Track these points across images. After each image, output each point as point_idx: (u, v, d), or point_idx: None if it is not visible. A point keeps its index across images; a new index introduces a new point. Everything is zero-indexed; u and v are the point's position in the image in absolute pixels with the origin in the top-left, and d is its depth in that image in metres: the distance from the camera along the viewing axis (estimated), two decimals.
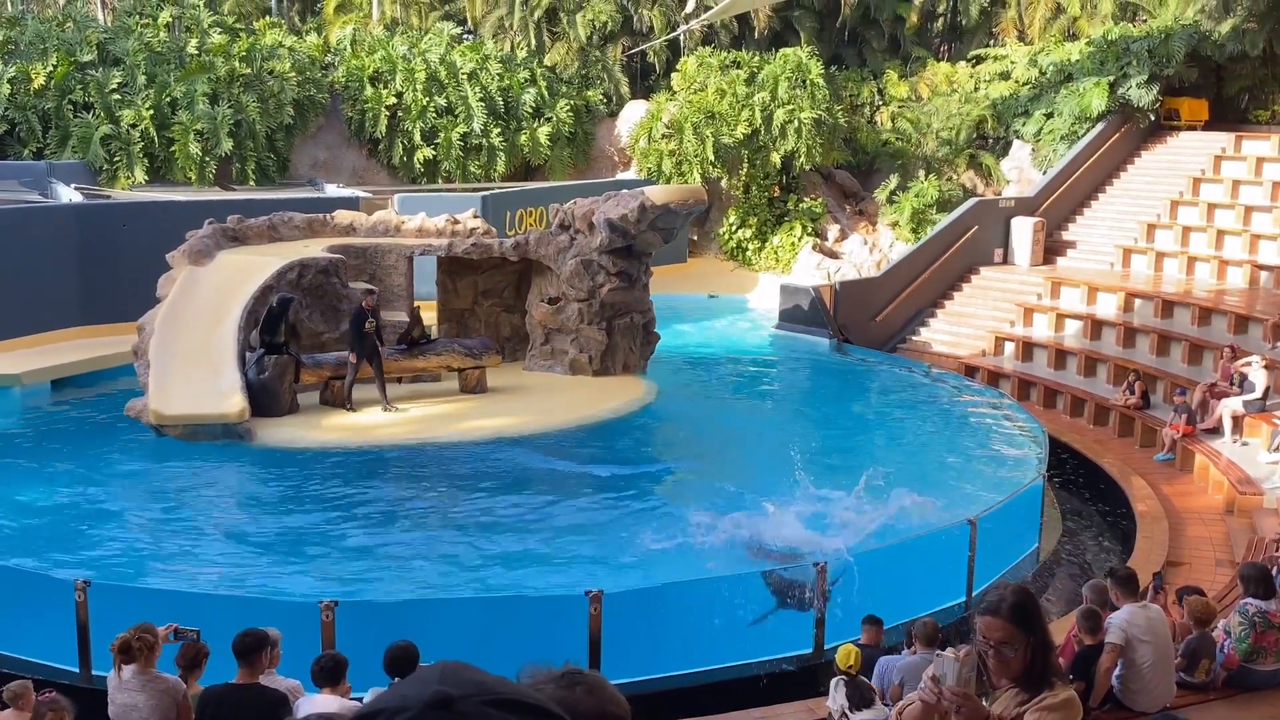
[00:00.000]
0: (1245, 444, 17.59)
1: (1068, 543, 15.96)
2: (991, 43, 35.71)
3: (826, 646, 11.07)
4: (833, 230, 32.00)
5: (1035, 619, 4.10)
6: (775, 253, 31.57)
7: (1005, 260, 27.53)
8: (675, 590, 11.77)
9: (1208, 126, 29.32)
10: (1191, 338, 21.18)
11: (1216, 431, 17.99)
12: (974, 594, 12.41)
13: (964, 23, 36.85)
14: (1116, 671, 8.08)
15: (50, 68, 28.51)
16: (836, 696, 8.81)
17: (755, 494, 15.40)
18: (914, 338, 25.87)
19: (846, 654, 9.43)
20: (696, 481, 16.13)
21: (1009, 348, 24.04)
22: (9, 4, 42.05)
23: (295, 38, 34.30)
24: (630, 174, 32.60)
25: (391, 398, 18.16)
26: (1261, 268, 23.72)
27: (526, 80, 33.29)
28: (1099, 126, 29.02)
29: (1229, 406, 17.83)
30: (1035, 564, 14.20)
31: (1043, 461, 15.79)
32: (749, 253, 32.03)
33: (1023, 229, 27.30)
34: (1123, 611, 8.14)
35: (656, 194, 20.23)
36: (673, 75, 33.67)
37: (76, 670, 10.28)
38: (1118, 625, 7.96)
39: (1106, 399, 20.83)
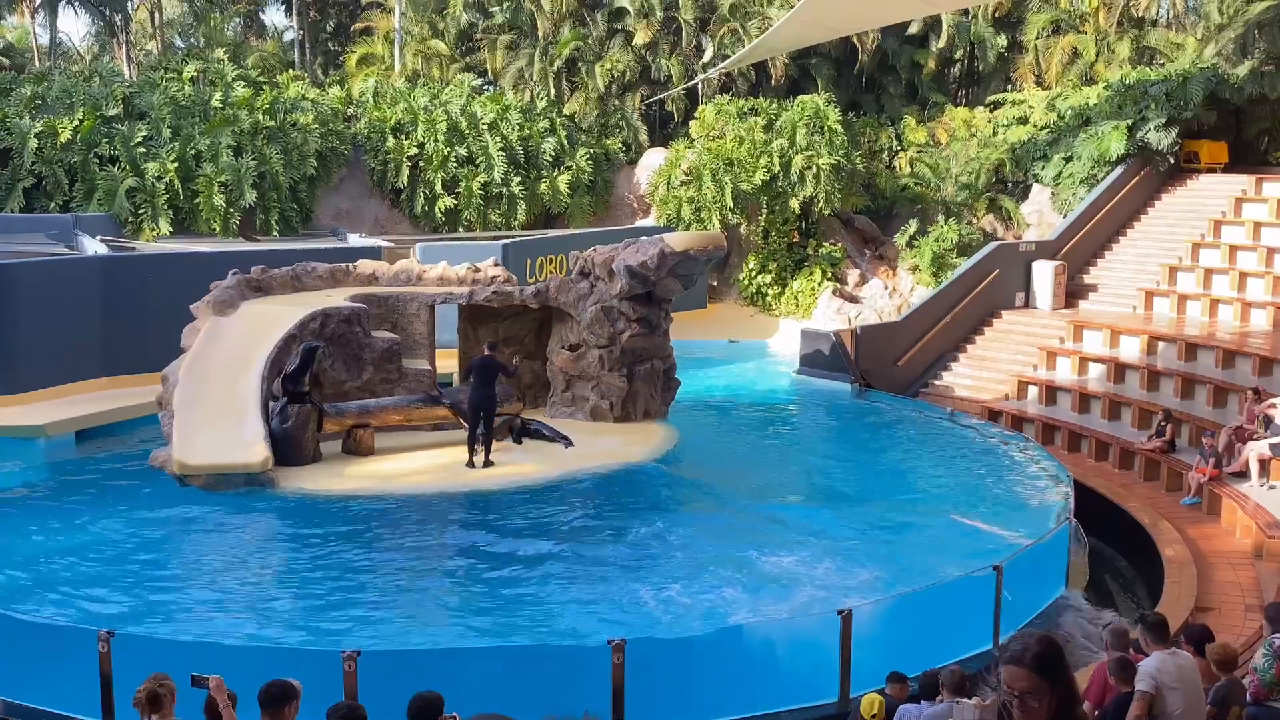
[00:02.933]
0: (1273, 487, 17.40)
1: (1094, 588, 15.81)
2: (1009, 87, 35.85)
3: (851, 696, 10.97)
4: (852, 275, 32.03)
5: (1060, 668, 4.04)
6: (795, 298, 31.60)
7: (1027, 304, 27.47)
8: (699, 640, 11.69)
9: (1228, 169, 29.28)
10: (1216, 380, 21.05)
11: (1243, 475, 17.83)
12: (1000, 641, 12.28)
13: (981, 68, 37.04)
14: None
15: (76, 122, 28.92)
16: None
17: (772, 545, 15.36)
18: (936, 382, 25.79)
19: (870, 703, 9.35)
20: (718, 529, 16.07)
21: (1032, 391, 23.93)
22: (36, 60, 42.78)
23: (318, 90, 34.72)
24: (650, 221, 32.76)
25: (413, 445, 18.27)
26: None
27: (546, 130, 33.57)
28: (1118, 170, 29.03)
29: (1255, 449, 17.68)
30: (1062, 610, 14.04)
31: (1068, 506, 15.67)
32: (769, 298, 32.08)
33: (1044, 272, 27.26)
34: (1153, 659, 8.04)
35: (676, 241, 20.30)
36: (691, 123, 33.91)
37: None
38: (1147, 673, 7.85)
39: (1131, 442, 20.69)
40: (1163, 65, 32.51)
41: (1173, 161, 29.30)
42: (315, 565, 14.34)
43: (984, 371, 25.53)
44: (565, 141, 33.55)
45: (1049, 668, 4.01)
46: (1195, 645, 8.85)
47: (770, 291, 32.03)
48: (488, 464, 17.74)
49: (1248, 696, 8.68)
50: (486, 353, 18.35)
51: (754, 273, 32.16)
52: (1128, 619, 12.80)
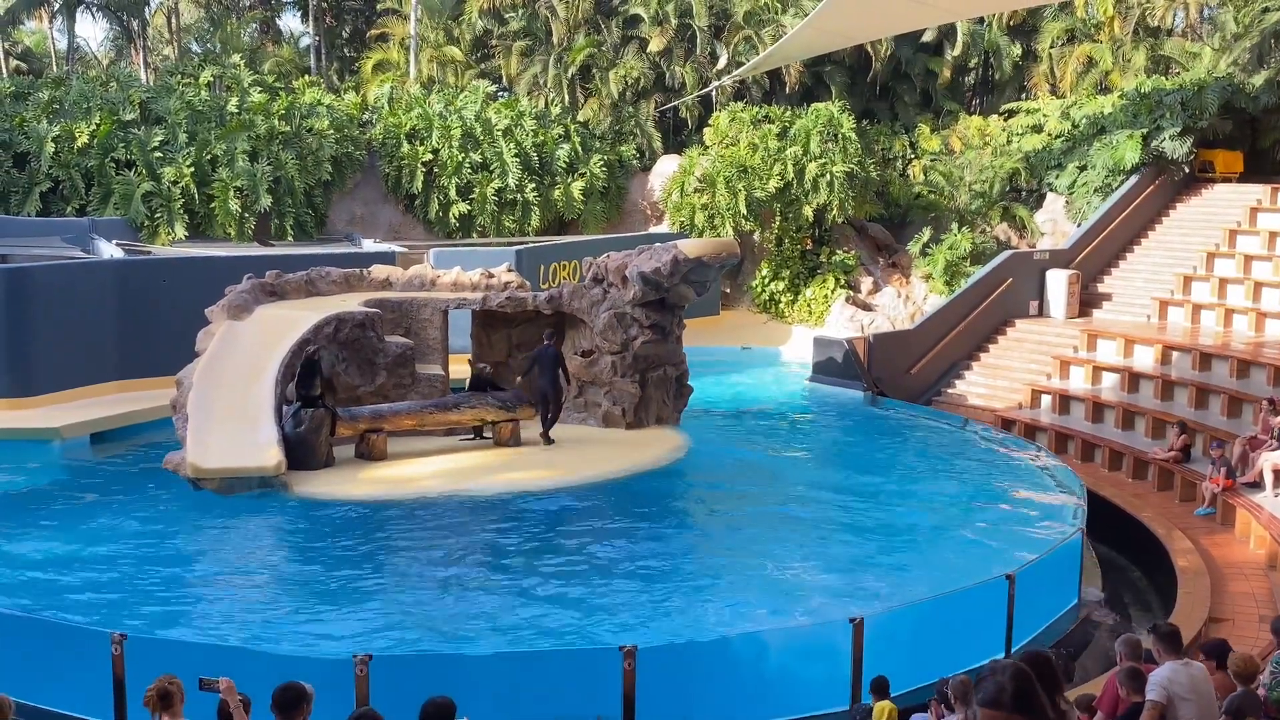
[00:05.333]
0: None
1: (1107, 598, 15.75)
2: (1024, 96, 35.81)
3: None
4: (866, 283, 32.00)
5: (1035, 698, 3.92)
6: (808, 305, 31.58)
7: (1041, 312, 27.42)
8: (709, 646, 11.69)
9: (1243, 178, 29.21)
10: (1230, 390, 20.97)
11: (1257, 485, 17.76)
12: (1012, 651, 12.25)
13: (996, 77, 37.01)
14: None
15: (93, 126, 29.07)
16: None
17: (784, 553, 15.35)
18: (949, 390, 25.75)
19: (881, 710, 9.35)
20: (730, 535, 16.07)
21: (1045, 400, 23.88)
22: (54, 65, 43.01)
23: (334, 96, 34.85)
24: (663, 228, 32.78)
25: (426, 450, 18.37)
26: None
27: (560, 136, 33.63)
28: (1133, 179, 28.97)
29: (1270, 460, 17.60)
30: (1074, 620, 14.01)
31: (1081, 516, 15.63)
32: (782, 305, 32.06)
33: (1058, 281, 27.21)
34: (1164, 669, 8.01)
35: (689, 247, 20.33)
36: (705, 130, 33.93)
37: None
38: (1158, 683, 7.82)
39: (1145, 452, 20.63)
40: (1178, 74, 32.44)
41: (1188, 171, 29.23)
42: (327, 569, 14.37)
43: (997, 380, 25.48)
44: (579, 148, 33.61)
45: (1025, 702, 3.89)
46: (1215, 660, 8.81)
47: (783, 299, 32.01)
48: (549, 442, 19.13)
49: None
50: (546, 343, 19.36)
51: (767, 280, 32.15)
52: (1141, 629, 12.76)
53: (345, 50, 45.24)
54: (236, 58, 35.78)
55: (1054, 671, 4.06)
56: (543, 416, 19.42)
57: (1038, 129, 32.25)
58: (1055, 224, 30.90)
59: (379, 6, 40.75)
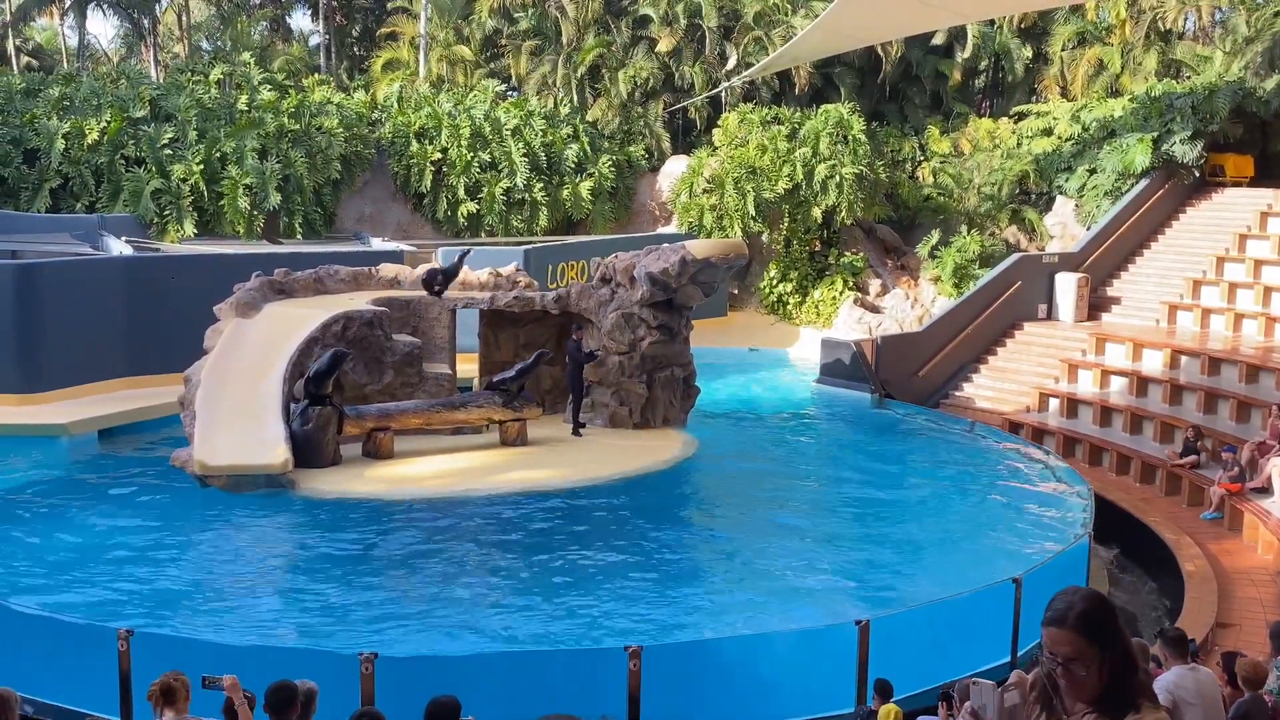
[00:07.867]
0: None
1: (1114, 603, 15.71)
2: (1034, 99, 35.74)
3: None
4: (874, 285, 31.97)
5: (1111, 630, 3.53)
6: (816, 307, 31.56)
7: (1049, 316, 27.34)
8: (715, 647, 11.68)
9: (1253, 183, 29.11)
10: (1239, 395, 20.91)
11: (1266, 490, 17.70)
12: (1019, 655, 12.23)
13: (1006, 79, 36.94)
14: None
15: (104, 123, 29.14)
16: None
17: (789, 555, 15.34)
18: (957, 393, 25.69)
19: (887, 713, 9.33)
20: (736, 537, 16.05)
21: (1053, 404, 23.82)
22: (65, 62, 43.09)
23: (343, 95, 34.87)
24: (671, 228, 32.78)
25: (433, 449, 18.37)
26: None
27: (569, 136, 33.64)
28: (1143, 182, 28.89)
29: (1278, 465, 17.55)
30: None
31: (1088, 520, 15.58)
32: (789, 307, 32.05)
33: (1067, 284, 27.14)
34: (1170, 673, 8.00)
35: (697, 248, 20.32)
36: (714, 131, 33.92)
37: (118, 719, 10.31)
38: (1164, 687, 7.81)
39: (1153, 456, 20.57)
40: (1189, 78, 32.36)
41: (1198, 175, 29.15)
42: (333, 567, 14.38)
43: (1005, 383, 25.42)
44: (588, 148, 33.63)
45: (1097, 629, 3.51)
46: (1228, 674, 8.80)
47: (791, 300, 32.00)
48: (576, 431, 19.78)
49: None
50: (574, 338, 19.90)
51: (775, 281, 32.13)
52: (1148, 634, 12.72)
53: (355, 49, 45.27)
54: (246, 56, 35.82)
55: (1113, 612, 3.67)
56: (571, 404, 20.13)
57: (1048, 132, 32.18)
58: (1064, 227, 30.83)
59: (389, 5, 40.76)
